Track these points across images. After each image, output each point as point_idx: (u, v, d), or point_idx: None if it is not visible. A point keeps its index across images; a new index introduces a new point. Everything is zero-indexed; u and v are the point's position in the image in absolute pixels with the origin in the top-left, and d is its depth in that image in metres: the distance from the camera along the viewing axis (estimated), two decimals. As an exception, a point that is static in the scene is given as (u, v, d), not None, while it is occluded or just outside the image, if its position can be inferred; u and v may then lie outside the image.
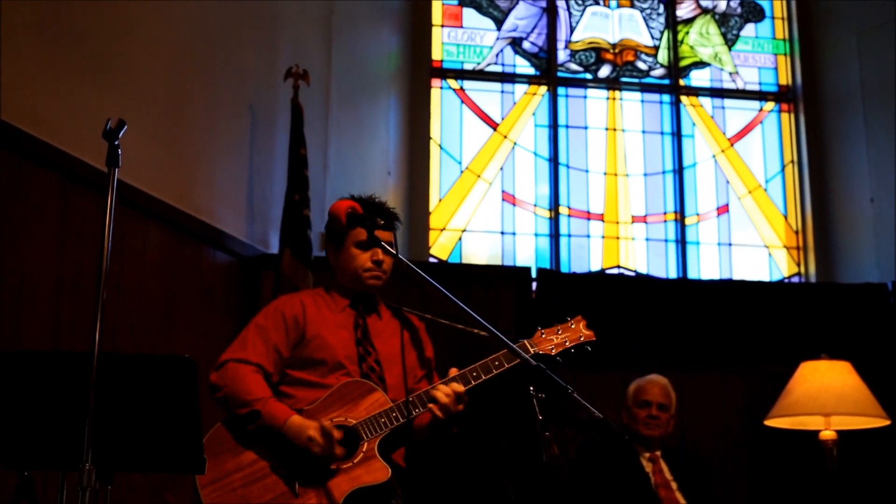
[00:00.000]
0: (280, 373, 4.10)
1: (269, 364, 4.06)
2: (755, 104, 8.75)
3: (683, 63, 8.74)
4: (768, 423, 6.42)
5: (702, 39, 8.83)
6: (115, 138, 2.95)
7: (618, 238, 8.26)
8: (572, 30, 8.69)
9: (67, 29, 5.16)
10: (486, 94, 8.46)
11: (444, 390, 3.95)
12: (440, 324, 4.34)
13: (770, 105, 8.74)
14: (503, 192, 8.23)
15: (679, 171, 8.41)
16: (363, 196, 4.29)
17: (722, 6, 8.94)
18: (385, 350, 4.16)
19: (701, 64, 8.79)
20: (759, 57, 8.88)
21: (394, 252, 3.87)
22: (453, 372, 4.03)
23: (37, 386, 2.88)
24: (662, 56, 8.74)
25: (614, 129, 8.50)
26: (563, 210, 8.21)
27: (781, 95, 8.75)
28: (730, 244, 8.40)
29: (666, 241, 8.31)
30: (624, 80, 8.64)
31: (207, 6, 6.37)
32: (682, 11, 8.87)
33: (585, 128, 8.49)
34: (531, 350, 4.07)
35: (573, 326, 4.20)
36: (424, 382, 4.21)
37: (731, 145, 8.59)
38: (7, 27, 4.78)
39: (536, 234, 8.20)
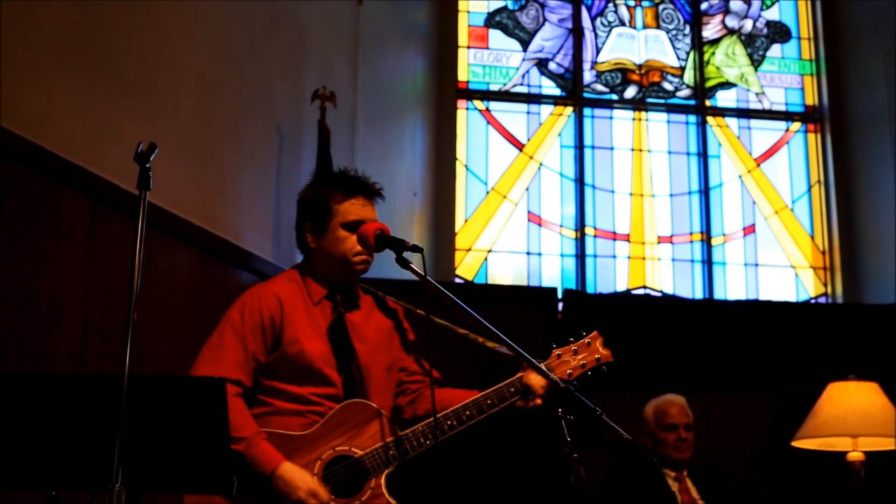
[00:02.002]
0: (256, 379, 3.84)
1: (248, 375, 3.80)
2: (781, 124, 8.74)
3: (709, 84, 8.75)
4: (795, 444, 6.40)
5: (728, 60, 8.84)
6: (146, 161, 2.96)
7: (644, 258, 8.26)
8: (598, 51, 8.71)
9: (97, 54, 5.20)
10: (512, 115, 8.48)
11: (539, 381, 3.84)
12: (450, 330, 4.25)
13: (796, 125, 8.73)
14: (529, 212, 8.24)
15: (705, 191, 8.41)
16: (342, 168, 4.11)
17: (748, 27, 8.94)
18: (365, 349, 3.94)
19: (727, 84, 8.80)
20: (786, 77, 8.88)
21: (422, 274, 3.77)
22: (473, 395, 3.89)
23: (67, 407, 2.89)
24: (688, 77, 8.75)
25: (640, 150, 8.51)
26: (588, 230, 8.22)
27: (808, 116, 8.74)
28: (756, 264, 8.39)
29: (692, 261, 8.31)
30: (650, 100, 8.65)
31: (235, 30, 6.41)
32: (709, 32, 8.88)
33: (611, 148, 8.51)
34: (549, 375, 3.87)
35: (590, 345, 4.04)
36: (408, 383, 4.10)
37: (758, 166, 8.58)
38: (39, 53, 4.82)
39: (562, 255, 8.21)
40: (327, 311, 3.97)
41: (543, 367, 3.81)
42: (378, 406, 3.86)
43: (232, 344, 3.82)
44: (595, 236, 8.25)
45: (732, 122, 8.71)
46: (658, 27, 8.87)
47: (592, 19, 8.78)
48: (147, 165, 2.97)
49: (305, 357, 3.83)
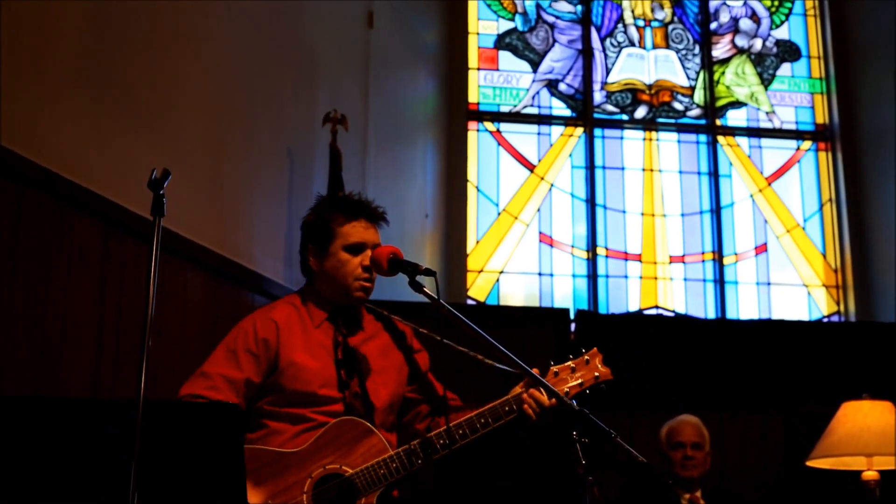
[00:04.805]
0: (253, 402, 3.83)
1: (236, 394, 3.77)
2: (792, 143, 8.74)
3: (720, 103, 8.75)
4: (810, 463, 6.37)
5: (738, 79, 8.84)
6: (160, 188, 2.97)
7: (656, 278, 8.25)
8: (608, 71, 8.72)
9: (109, 79, 5.22)
10: (523, 136, 8.49)
11: (530, 400, 3.79)
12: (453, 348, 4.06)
13: (807, 144, 8.73)
14: (540, 233, 8.24)
15: (717, 210, 8.40)
16: (344, 193, 4.09)
17: (758, 46, 8.95)
18: (368, 371, 3.91)
19: (737, 104, 8.80)
20: (796, 96, 8.88)
21: (435, 297, 3.74)
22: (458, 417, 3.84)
23: (81, 432, 2.90)
24: (699, 96, 8.75)
25: (651, 170, 8.50)
26: (600, 251, 8.21)
27: (818, 134, 8.74)
28: (768, 283, 8.37)
29: (704, 280, 8.30)
30: (660, 120, 8.65)
31: (247, 54, 6.42)
32: (718, 52, 8.88)
33: (622, 168, 8.50)
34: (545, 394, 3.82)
35: (588, 363, 4.00)
36: (421, 404, 4.06)
37: (769, 184, 8.57)
38: (51, 78, 4.84)
39: (574, 276, 8.20)
40: (329, 334, 3.95)
41: (554, 389, 3.81)
42: (379, 423, 3.84)
43: (222, 359, 3.85)
44: (607, 256, 8.24)
45: (743, 141, 8.71)
46: (668, 47, 8.88)
47: (602, 40, 8.79)
48: (161, 192, 2.98)
49: (302, 378, 3.82)
